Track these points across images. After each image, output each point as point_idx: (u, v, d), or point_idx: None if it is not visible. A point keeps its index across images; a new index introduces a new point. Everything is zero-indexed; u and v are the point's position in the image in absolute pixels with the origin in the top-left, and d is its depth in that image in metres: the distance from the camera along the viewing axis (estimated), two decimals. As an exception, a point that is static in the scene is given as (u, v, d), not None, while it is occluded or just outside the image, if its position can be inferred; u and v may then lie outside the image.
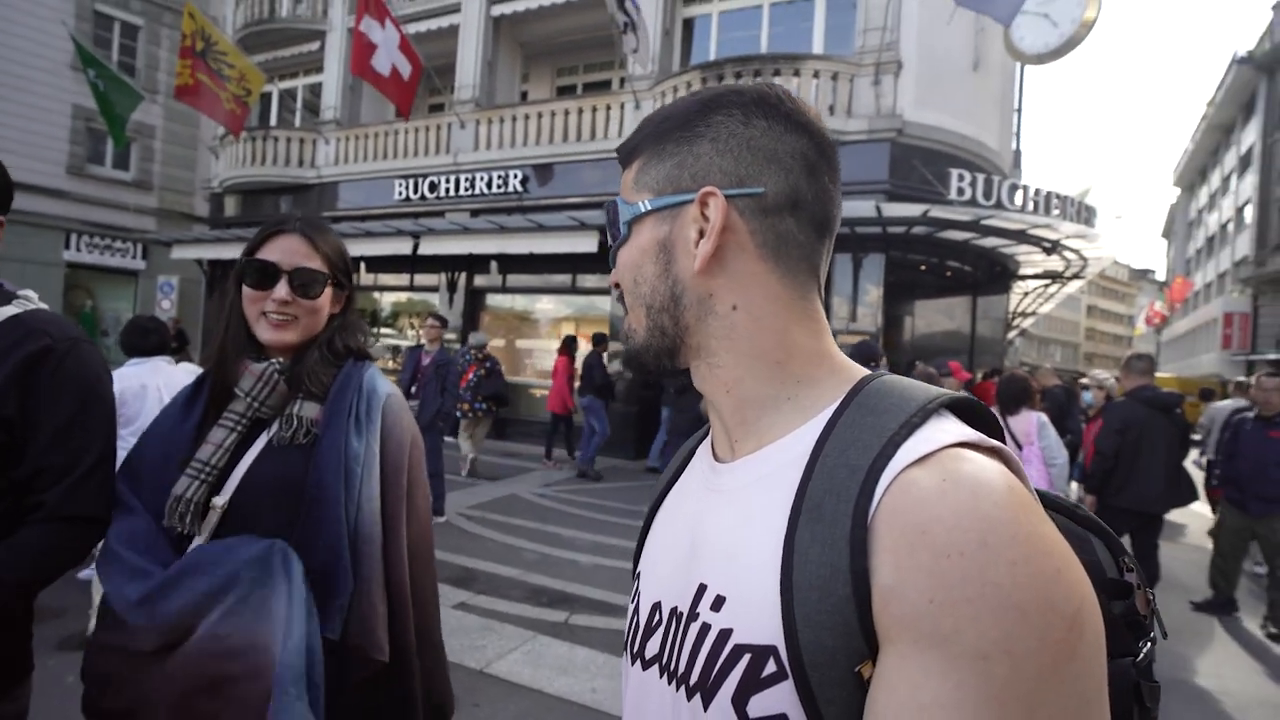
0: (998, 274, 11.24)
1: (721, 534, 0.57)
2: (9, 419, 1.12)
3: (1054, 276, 11.58)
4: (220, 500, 1.13)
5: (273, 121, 15.14)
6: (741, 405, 0.60)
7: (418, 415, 6.01)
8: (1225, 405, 8.03)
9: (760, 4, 10.55)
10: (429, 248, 10.58)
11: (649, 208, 0.62)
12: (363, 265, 12.60)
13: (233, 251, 11.77)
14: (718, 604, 0.53)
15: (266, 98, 14.99)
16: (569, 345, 8.99)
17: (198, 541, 1.12)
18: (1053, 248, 9.68)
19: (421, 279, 12.39)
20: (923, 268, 10.14)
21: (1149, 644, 0.55)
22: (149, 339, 3.47)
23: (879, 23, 8.91)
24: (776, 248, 0.59)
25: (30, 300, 1.27)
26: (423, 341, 6.40)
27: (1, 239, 1.26)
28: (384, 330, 13.48)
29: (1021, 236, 9.17)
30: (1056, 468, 4.29)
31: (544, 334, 11.79)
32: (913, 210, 8.21)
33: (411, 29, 11.88)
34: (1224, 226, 29.49)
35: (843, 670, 0.45)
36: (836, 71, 9.16)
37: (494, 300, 12.18)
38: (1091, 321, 63.67)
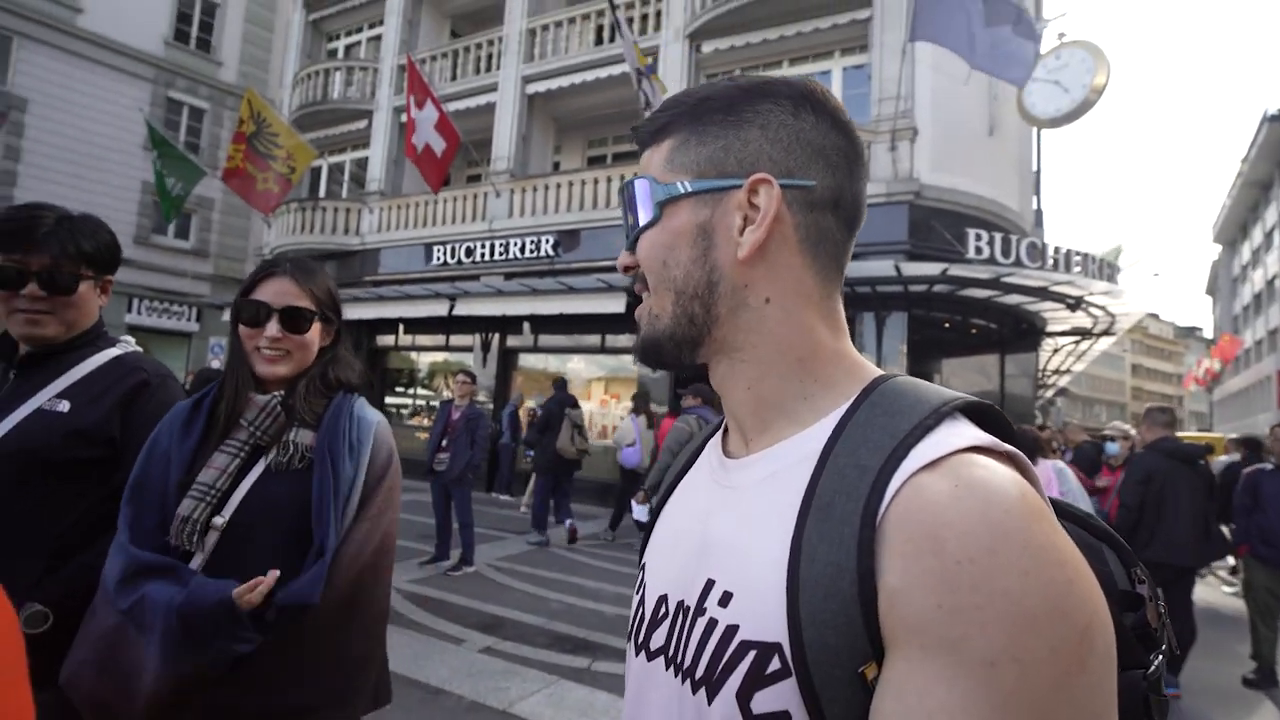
0: (1024, 331, 11.25)
1: (730, 530, 0.56)
2: (113, 438, 1.38)
3: (1083, 333, 11.55)
4: (220, 520, 1.22)
5: (322, 193, 16.18)
6: (761, 403, 0.59)
7: (449, 468, 6.25)
8: (1222, 460, 7.86)
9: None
10: (464, 309, 11.05)
11: (689, 189, 0.59)
12: (401, 326, 13.18)
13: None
14: (725, 599, 0.53)
15: (316, 171, 16.05)
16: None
17: (198, 558, 1.21)
18: (1077, 304, 9.72)
19: (457, 339, 12.85)
20: (946, 325, 10.23)
21: (1160, 657, 0.53)
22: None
23: (893, 92, 9.28)
24: (816, 243, 0.58)
25: (129, 344, 1.55)
26: (454, 396, 6.64)
27: (109, 294, 1.55)
28: (421, 390, 13.90)
29: (1043, 293, 9.24)
30: None
31: (575, 394, 12.03)
32: (932, 269, 8.38)
33: (451, 107, 12.70)
34: (1270, 282, 28.88)
35: (846, 670, 0.45)
36: (854, 138, 9.50)
37: (526, 360, 12.54)
38: (1138, 381, 62.02)
